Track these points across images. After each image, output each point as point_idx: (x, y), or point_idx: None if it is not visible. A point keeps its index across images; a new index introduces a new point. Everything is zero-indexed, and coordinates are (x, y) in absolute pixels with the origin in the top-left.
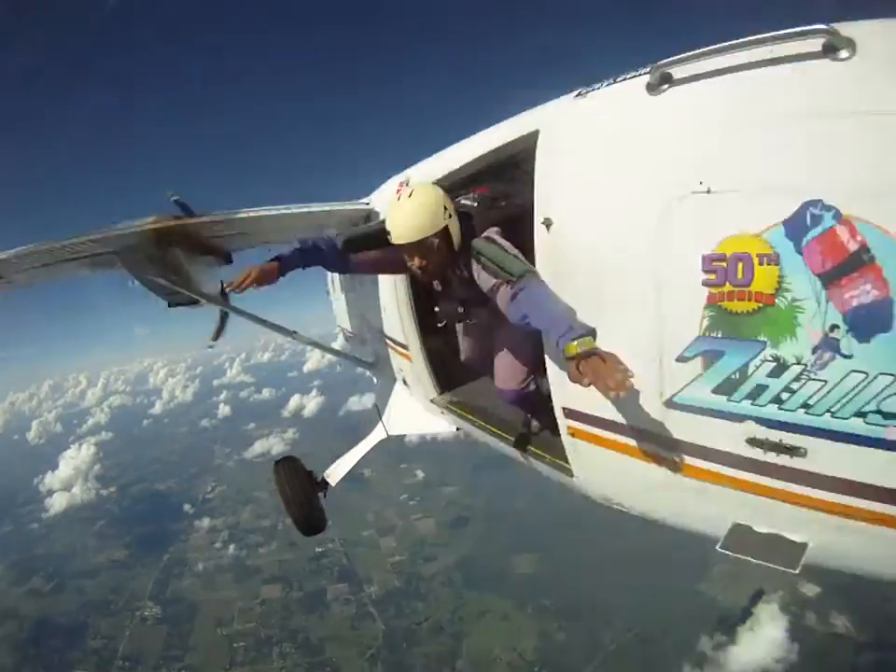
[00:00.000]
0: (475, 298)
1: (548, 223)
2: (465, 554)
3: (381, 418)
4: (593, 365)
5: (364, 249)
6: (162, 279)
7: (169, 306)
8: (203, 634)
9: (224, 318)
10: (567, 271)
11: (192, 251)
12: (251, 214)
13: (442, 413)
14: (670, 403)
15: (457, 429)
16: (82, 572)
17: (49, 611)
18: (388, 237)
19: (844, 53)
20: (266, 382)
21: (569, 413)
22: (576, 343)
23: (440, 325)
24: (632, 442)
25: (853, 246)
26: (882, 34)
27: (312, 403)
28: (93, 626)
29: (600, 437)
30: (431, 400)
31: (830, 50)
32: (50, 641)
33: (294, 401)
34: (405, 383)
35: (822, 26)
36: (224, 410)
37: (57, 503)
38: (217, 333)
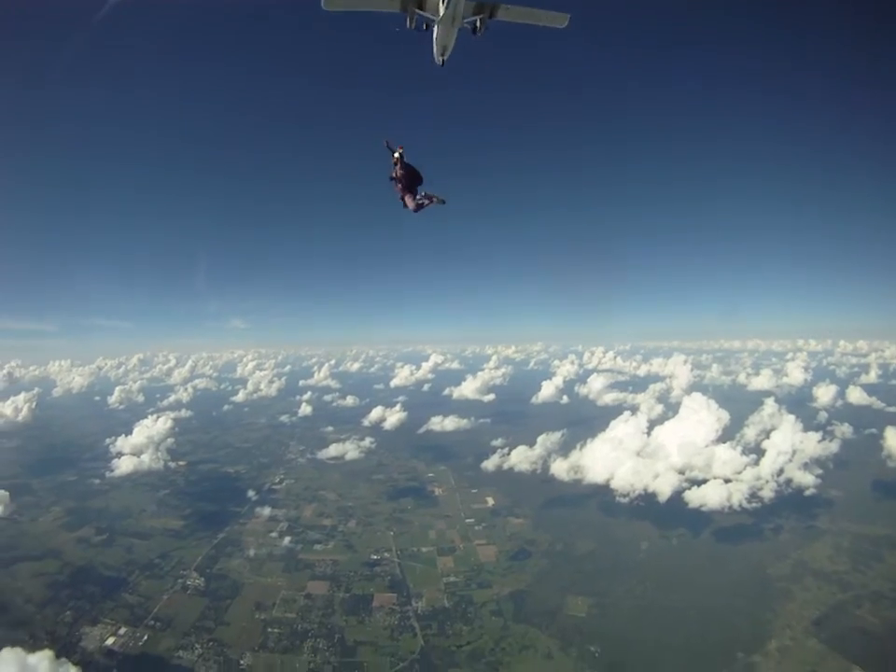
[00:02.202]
0: None
1: None
2: (520, 588)
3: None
4: None
5: None
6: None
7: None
8: (240, 613)
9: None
10: None
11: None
12: None
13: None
14: None
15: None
16: (134, 532)
17: (94, 560)
18: None
19: None
20: (351, 390)
21: None
22: None
23: None
24: None
25: None
26: None
27: (394, 417)
28: (133, 583)
29: None
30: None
31: None
32: (87, 587)
33: (376, 412)
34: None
35: None
36: (305, 409)
37: (124, 465)
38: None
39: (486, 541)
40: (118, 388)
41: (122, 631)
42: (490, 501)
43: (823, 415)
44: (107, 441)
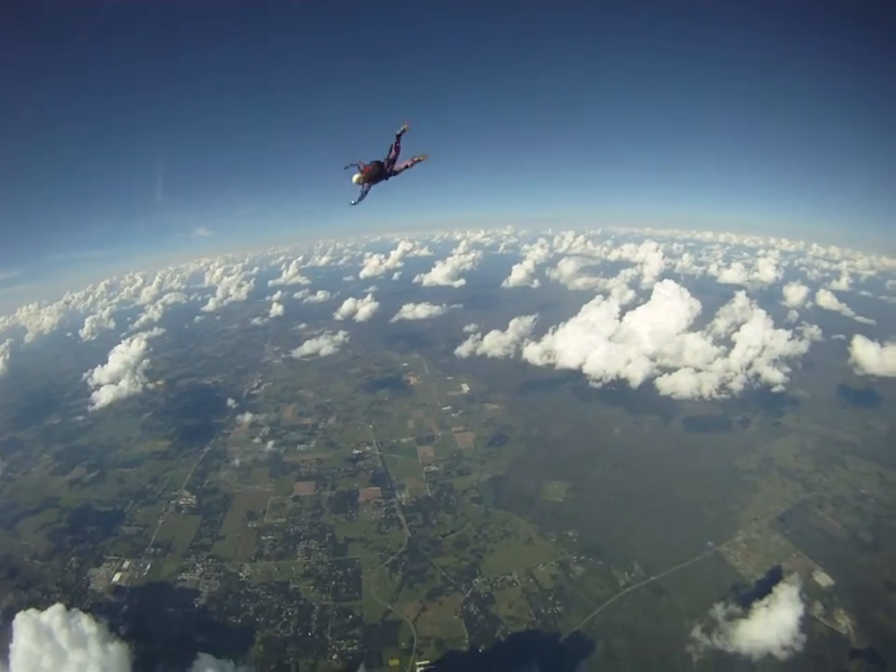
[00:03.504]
0: None
1: None
2: (499, 474)
3: None
4: None
5: None
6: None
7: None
8: (233, 525)
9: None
10: None
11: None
12: None
13: None
14: None
15: None
16: (124, 462)
17: (89, 499)
18: None
19: None
20: (321, 284)
21: None
22: None
23: None
24: None
25: None
26: None
27: (365, 308)
28: (129, 514)
29: None
30: None
31: None
32: (87, 528)
33: (347, 305)
34: None
35: None
36: (277, 309)
37: (104, 396)
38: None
39: (464, 428)
40: (88, 320)
41: (126, 565)
42: (465, 388)
43: (794, 314)
44: (84, 375)
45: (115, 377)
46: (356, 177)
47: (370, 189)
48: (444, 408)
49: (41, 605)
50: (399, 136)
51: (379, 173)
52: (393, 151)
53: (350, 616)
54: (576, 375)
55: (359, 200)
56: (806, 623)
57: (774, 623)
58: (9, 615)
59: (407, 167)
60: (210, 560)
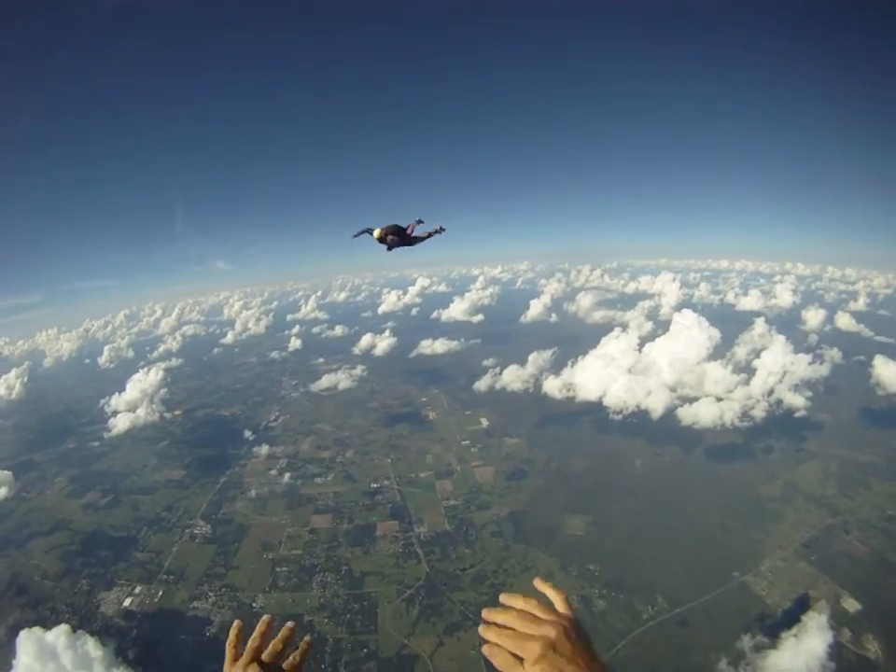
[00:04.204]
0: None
1: None
2: (518, 508)
3: None
4: None
5: None
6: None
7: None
8: (248, 556)
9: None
10: None
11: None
12: None
13: None
14: None
15: None
16: (139, 489)
17: (102, 524)
18: None
19: None
20: (340, 319)
21: None
22: None
23: None
24: None
25: None
26: None
27: (383, 343)
28: (143, 540)
29: None
30: None
31: None
32: (99, 552)
33: (366, 340)
34: None
35: None
36: (295, 343)
37: (121, 423)
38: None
39: (483, 463)
40: (107, 348)
41: (137, 590)
42: (484, 422)
43: (813, 338)
44: (102, 401)
45: (132, 405)
46: (376, 232)
47: (396, 244)
48: (463, 442)
49: (48, 624)
50: (418, 223)
51: (398, 232)
52: (409, 228)
53: (365, 649)
54: (596, 408)
55: (391, 248)
56: (835, 650)
57: (802, 652)
58: (15, 632)
59: (430, 235)
60: (223, 589)
